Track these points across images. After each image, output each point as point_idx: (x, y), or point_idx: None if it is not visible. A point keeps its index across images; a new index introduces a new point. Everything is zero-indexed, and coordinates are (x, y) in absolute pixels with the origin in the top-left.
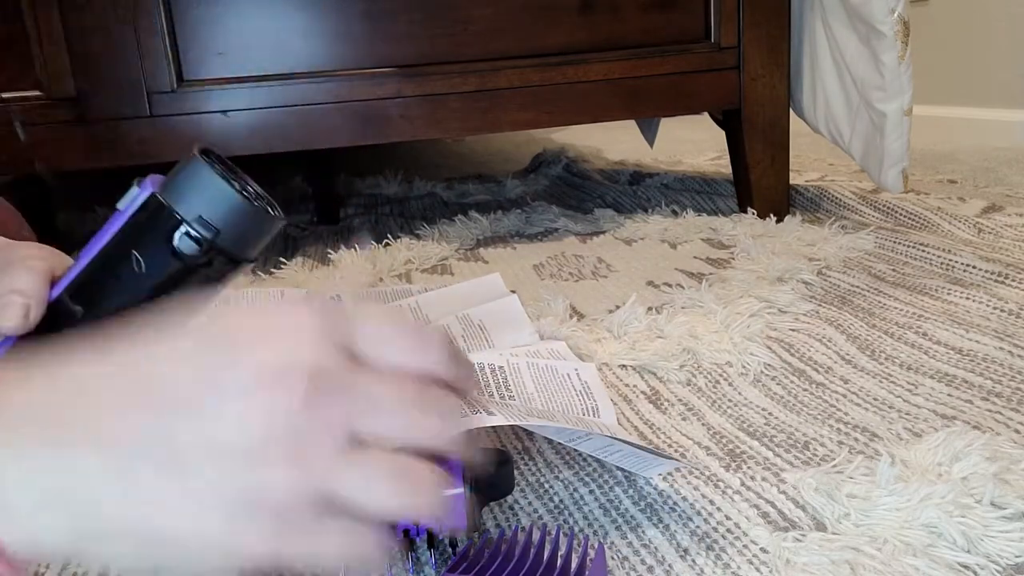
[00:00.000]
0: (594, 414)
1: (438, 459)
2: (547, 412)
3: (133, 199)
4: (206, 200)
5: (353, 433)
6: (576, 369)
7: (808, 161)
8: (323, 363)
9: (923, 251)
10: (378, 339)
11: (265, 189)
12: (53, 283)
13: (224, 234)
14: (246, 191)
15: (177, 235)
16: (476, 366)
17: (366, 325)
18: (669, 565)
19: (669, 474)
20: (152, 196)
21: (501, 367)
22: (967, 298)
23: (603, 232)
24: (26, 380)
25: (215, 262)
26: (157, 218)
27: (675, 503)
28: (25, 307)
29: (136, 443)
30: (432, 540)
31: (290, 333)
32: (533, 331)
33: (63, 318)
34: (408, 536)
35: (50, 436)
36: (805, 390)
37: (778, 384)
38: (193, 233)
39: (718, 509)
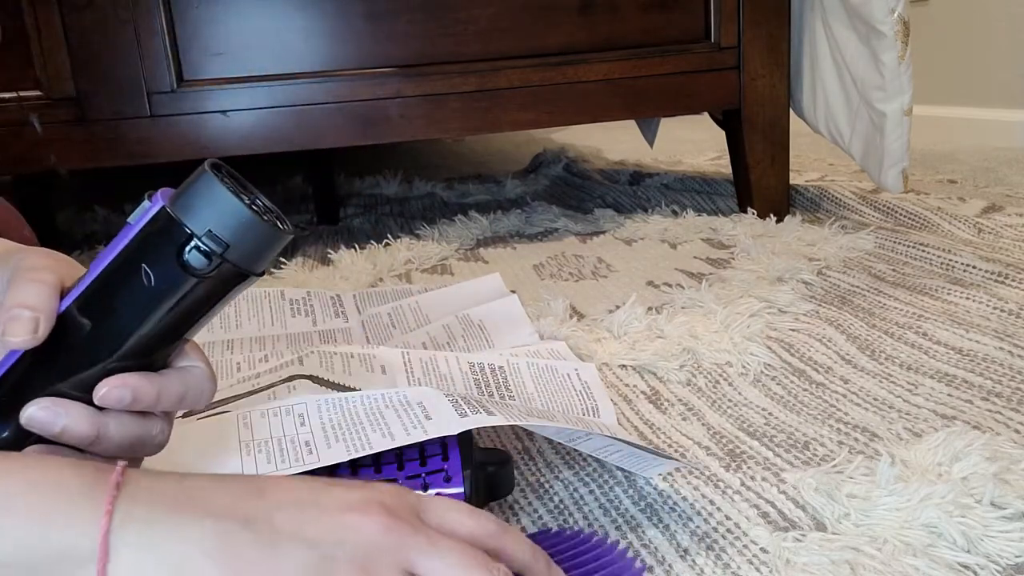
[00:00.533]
0: (594, 414)
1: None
2: (547, 412)
3: (144, 213)
4: (216, 214)
5: (413, 566)
6: (576, 369)
7: (808, 161)
8: (399, 507)
9: (923, 251)
10: (443, 509)
11: (265, 189)
12: (62, 295)
13: (233, 248)
14: (255, 205)
15: (187, 249)
16: (476, 366)
17: (432, 502)
18: (669, 565)
19: (669, 474)
20: (162, 210)
21: (501, 367)
22: (967, 298)
23: (603, 232)
24: (157, 474)
25: (224, 276)
26: (167, 232)
27: (675, 503)
28: (34, 321)
29: (241, 518)
30: None
31: (373, 489)
32: (533, 331)
33: (71, 331)
34: None
35: (170, 509)
36: (805, 390)
37: (778, 384)
38: (203, 247)
39: (718, 509)
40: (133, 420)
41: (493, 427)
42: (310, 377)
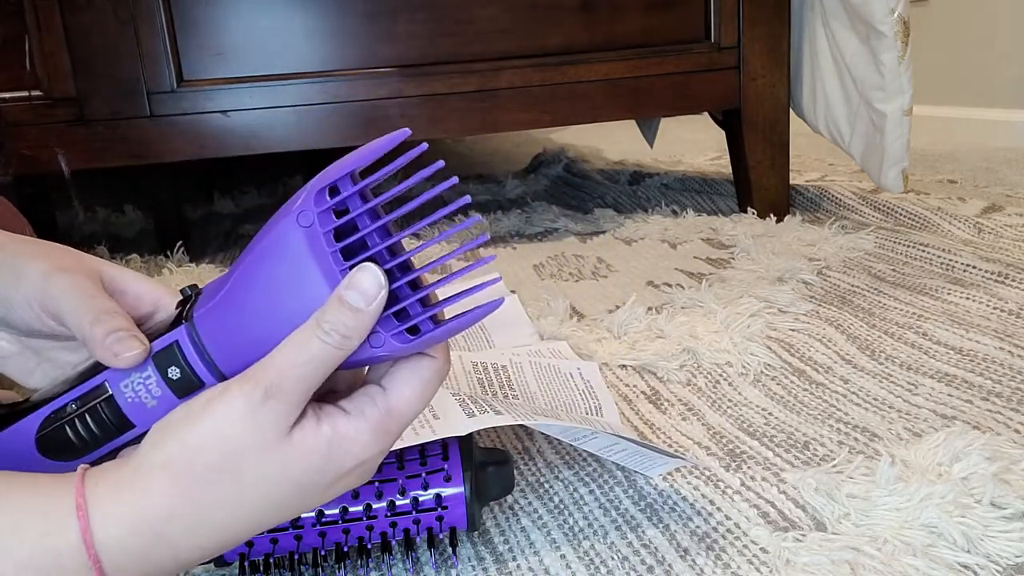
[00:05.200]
0: (597, 412)
1: (440, 453)
2: (551, 411)
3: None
4: None
5: None
6: (579, 368)
7: (808, 161)
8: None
9: (923, 251)
10: None
11: (265, 189)
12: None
13: None
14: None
15: None
16: (479, 365)
17: None
18: (669, 565)
19: (669, 474)
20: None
21: (504, 366)
22: (967, 298)
23: (603, 232)
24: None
25: None
26: None
27: (675, 503)
28: (137, 338)
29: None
30: (432, 540)
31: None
32: (533, 331)
33: None
34: (408, 536)
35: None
36: (805, 390)
37: (778, 384)
38: None
39: (718, 509)
40: None
41: (493, 427)
42: None
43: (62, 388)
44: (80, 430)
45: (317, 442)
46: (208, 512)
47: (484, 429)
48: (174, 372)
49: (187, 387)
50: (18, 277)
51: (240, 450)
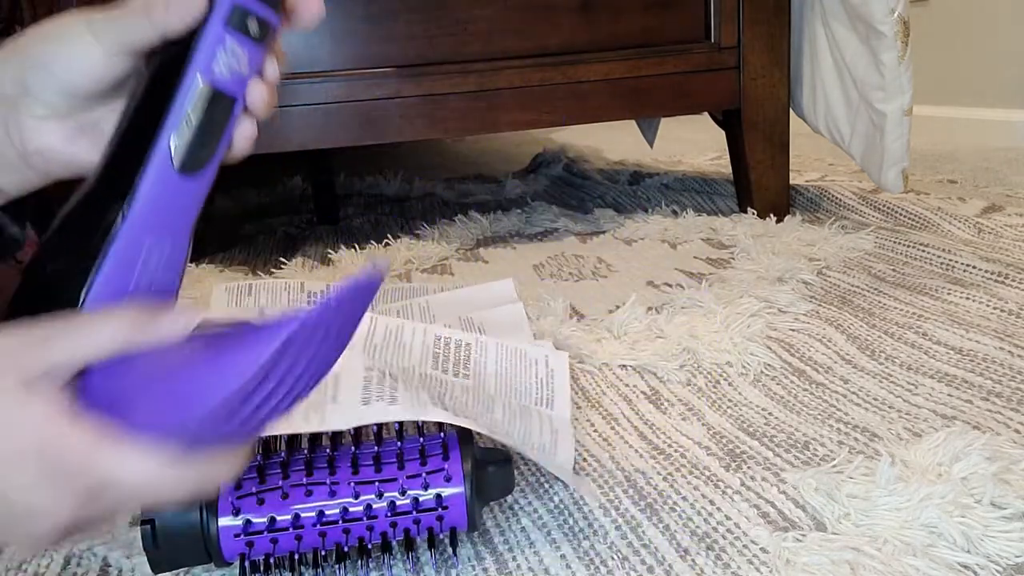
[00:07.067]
0: (548, 404)
1: (440, 453)
2: (487, 398)
3: None
4: None
5: None
6: (547, 356)
7: (808, 161)
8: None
9: (923, 251)
10: None
11: (265, 189)
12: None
13: None
14: None
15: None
16: (442, 340)
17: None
18: (669, 565)
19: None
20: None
21: (468, 344)
22: (967, 298)
23: (603, 232)
24: None
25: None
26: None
27: (675, 503)
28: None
29: None
30: (432, 540)
31: None
32: (530, 338)
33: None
34: (408, 536)
35: None
36: (805, 390)
37: (778, 384)
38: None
39: (718, 509)
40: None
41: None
42: None
43: (157, 116)
44: (207, 137)
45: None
46: None
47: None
48: (252, 25)
49: (266, 33)
50: (69, 42)
51: None
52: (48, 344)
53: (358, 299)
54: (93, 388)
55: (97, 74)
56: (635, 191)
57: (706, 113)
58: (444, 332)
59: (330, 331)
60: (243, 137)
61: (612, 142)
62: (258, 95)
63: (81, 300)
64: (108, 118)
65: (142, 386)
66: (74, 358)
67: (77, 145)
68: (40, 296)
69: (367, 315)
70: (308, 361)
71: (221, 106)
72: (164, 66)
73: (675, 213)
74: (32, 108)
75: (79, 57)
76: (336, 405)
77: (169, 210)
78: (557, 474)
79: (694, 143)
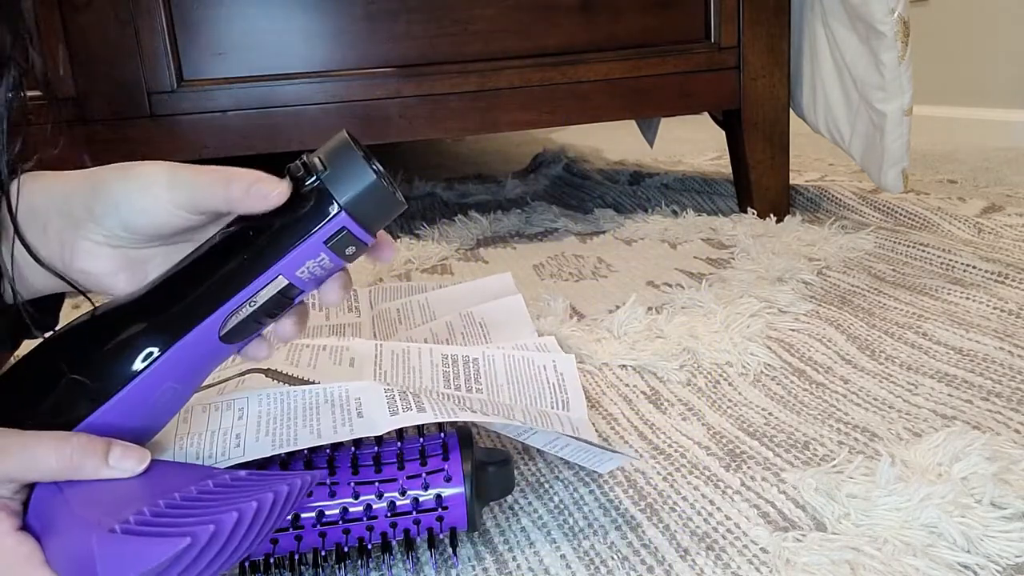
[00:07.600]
0: (564, 407)
1: (440, 453)
2: (495, 406)
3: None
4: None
5: None
6: (554, 361)
7: (808, 161)
8: None
9: (923, 251)
10: None
11: None
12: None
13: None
14: (381, 173)
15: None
16: (448, 358)
17: None
18: (669, 565)
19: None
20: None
21: (475, 359)
22: (967, 298)
23: (603, 232)
24: None
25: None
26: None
27: (675, 503)
28: (274, 179)
29: None
30: (432, 540)
31: None
32: (533, 331)
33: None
34: (408, 536)
35: None
36: (805, 390)
37: (778, 384)
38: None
39: (718, 509)
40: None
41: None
42: (265, 371)
43: (228, 291)
44: (261, 317)
45: None
46: None
47: (486, 429)
48: (350, 249)
49: (357, 256)
50: (144, 185)
51: None
52: (3, 456)
53: (284, 507)
54: (37, 505)
55: (160, 221)
56: (635, 191)
57: (706, 113)
58: (450, 350)
59: (248, 535)
60: (291, 324)
61: (612, 142)
62: (333, 295)
63: (85, 415)
64: (156, 259)
65: (67, 517)
66: (27, 476)
67: (118, 277)
68: (39, 389)
69: (372, 342)
70: (224, 554)
71: (287, 297)
72: (234, 239)
73: (675, 213)
74: (91, 233)
75: (149, 203)
76: (363, 420)
77: (198, 364)
78: (603, 452)
79: (694, 143)
